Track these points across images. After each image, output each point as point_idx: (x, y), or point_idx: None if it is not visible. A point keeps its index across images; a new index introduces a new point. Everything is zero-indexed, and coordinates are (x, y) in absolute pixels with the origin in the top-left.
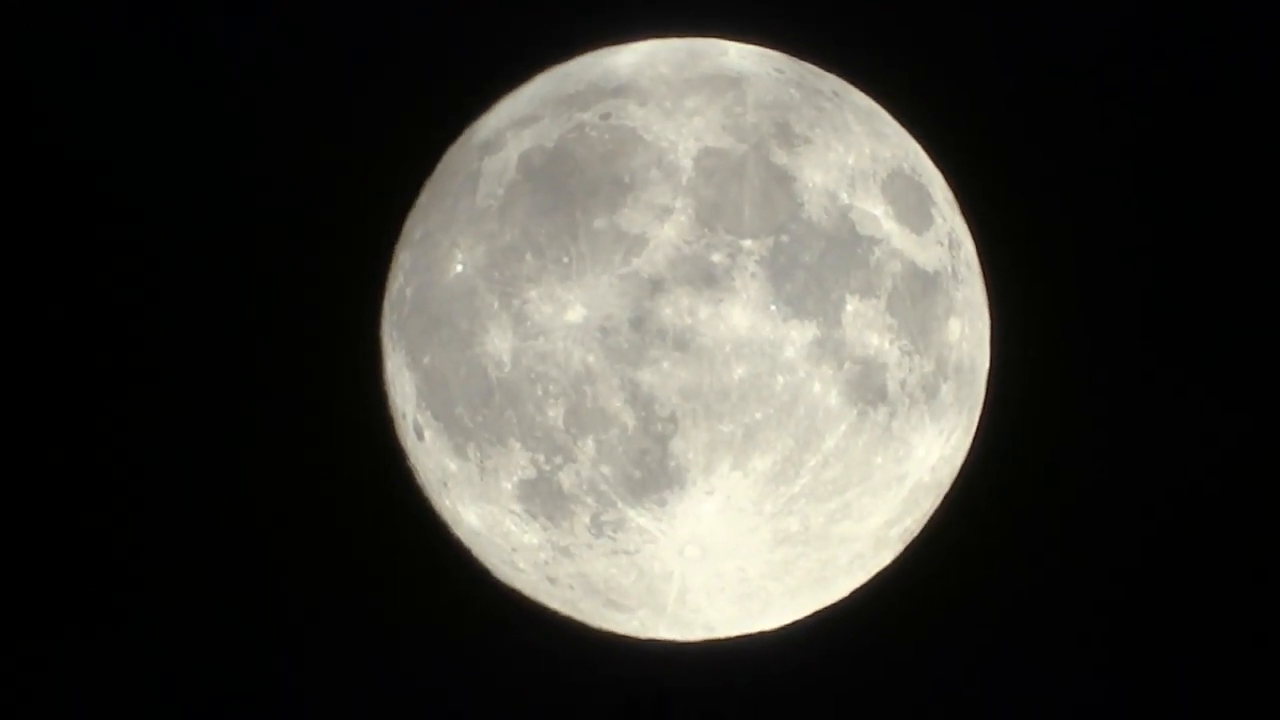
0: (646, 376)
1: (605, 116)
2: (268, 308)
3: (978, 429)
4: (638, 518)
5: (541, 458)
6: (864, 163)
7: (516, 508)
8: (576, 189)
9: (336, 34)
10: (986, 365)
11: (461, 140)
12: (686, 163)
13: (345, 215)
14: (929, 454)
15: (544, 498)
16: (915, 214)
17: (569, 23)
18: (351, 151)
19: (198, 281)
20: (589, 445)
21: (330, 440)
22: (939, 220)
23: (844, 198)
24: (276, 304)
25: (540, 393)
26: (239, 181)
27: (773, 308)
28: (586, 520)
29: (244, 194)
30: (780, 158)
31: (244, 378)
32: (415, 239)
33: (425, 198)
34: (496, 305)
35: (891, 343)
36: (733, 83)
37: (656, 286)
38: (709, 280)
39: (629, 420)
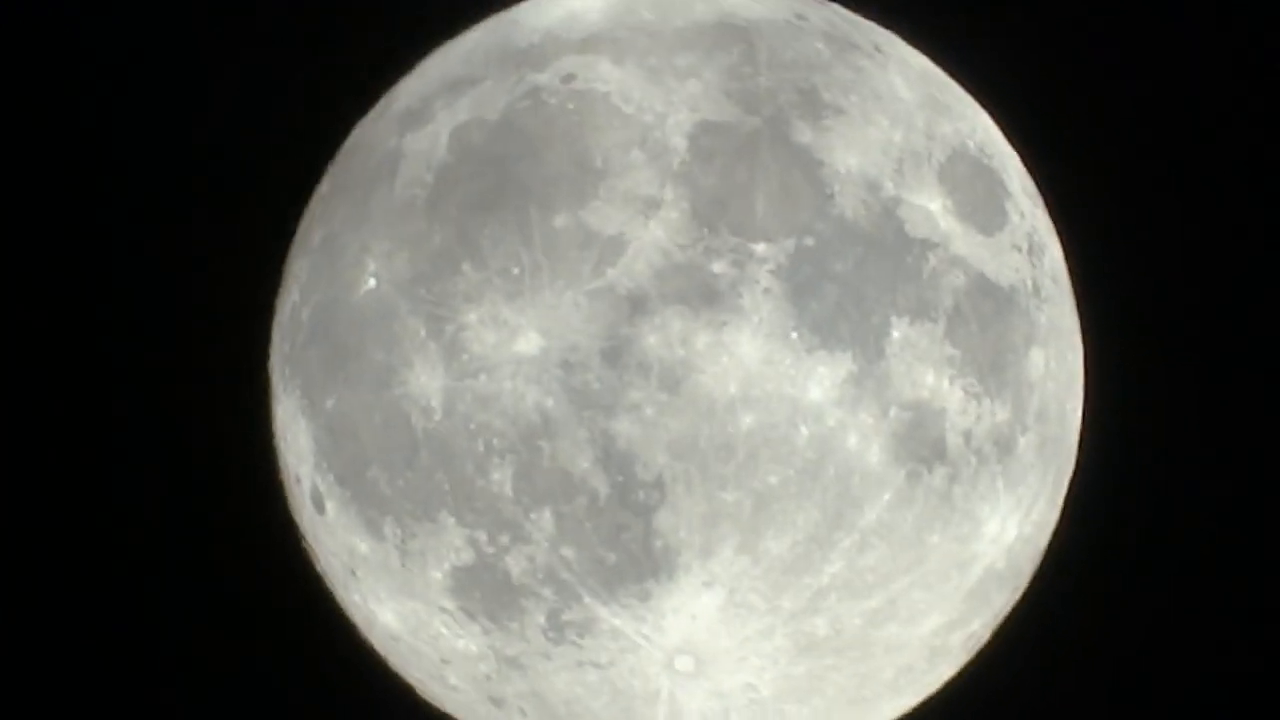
0: (624, 427)
1: (568, 78)
2: (122, 335)
3: (1066, 498)
4: (612, 618)
5: (483, 537)
6: (916, 141)
7: (449, 604)
8: (530, 176)
9: None
10: (1078, 412)
11: (376, 111)
12: (678, 141)
13: (223, 212)
14: (1003, 532)
15: (486, 590)
16: (984, 209)
17: None
18: (233, 126)
19: (32, 299)
20: (546, 520)
21: (201, 512)
22: (1016, 218)
23: (889, 188)
24: (134, 330)
25: (482, 449)
26: (88, 171)
27: (794, 335)
28: (542, 620)
29: (94, 187)
30: (803, 134)
31: (93, 427)
32: (314, 243)
33: (327, 187)
34: (423, 332)
35: (953, 381)
36: (740, 34)
37: (638, 306)
38: (708, 298)
39: (600, 486)
